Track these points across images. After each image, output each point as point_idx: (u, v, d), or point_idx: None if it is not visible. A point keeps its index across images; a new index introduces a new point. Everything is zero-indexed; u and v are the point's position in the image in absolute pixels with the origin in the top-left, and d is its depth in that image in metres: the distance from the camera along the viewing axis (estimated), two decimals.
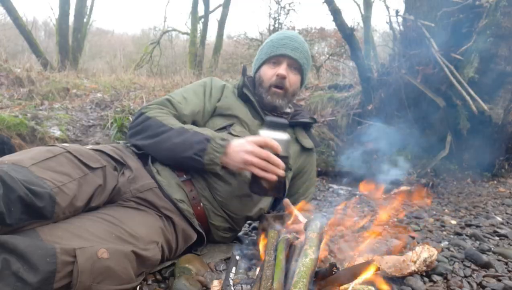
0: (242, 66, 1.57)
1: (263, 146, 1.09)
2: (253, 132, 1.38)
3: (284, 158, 1.10)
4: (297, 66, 1.44)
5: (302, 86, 1.54)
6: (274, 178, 1.09)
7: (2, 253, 0.75)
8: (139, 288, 1.02)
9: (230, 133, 1.33)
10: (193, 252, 1.27)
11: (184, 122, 1.30)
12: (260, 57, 1.48)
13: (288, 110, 1.52)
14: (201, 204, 1.26)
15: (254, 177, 1.11)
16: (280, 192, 1.19)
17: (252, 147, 1.09)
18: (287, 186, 1.29)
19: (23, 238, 0.78)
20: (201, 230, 1.23)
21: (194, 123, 1.38)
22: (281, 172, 1.09)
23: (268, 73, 1.43)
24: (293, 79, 1.44)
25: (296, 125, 1.52)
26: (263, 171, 1.08)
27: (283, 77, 1.40)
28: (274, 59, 1.43)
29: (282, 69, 1.40)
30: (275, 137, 1.09)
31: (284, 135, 1.11)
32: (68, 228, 0.88)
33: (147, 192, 1.14)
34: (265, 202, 1.39)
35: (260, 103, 1.45)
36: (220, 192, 1.27)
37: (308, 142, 1.53)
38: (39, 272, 0.76)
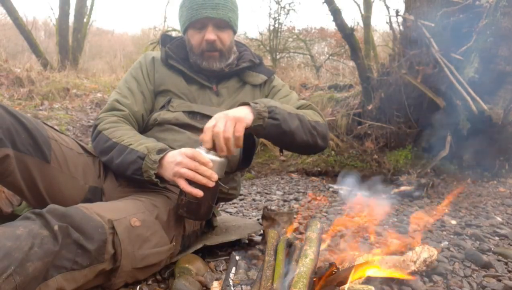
0: (160, 36, 1.46)
1: (192, 159, 1.04)
2: (194, 100, 1.36)
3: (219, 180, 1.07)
4: (224, 23, 1.31)
5: (235, 34, 1.42)
6: (199, 193, 1.03)
7: (62, 222, 0.84)
8: (139, 288, 1.02)
9: (169, 110, 1.31)
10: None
11: (141, 116, 1.34)
12: (182, 19, 1.35)
13: (229, 60, 1.40)
14: None
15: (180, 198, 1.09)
16: (193, 215, 1.13)
17: (181, 158, 1.04)
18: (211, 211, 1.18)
19: (76, 210, 0.88)
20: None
21: (148, 110, 1.36)
22: (211, 183, 1.04)
23: (196, 38, 1.32)
24: (223, 37, 1.33)
25: (240, 72, 1.43)
26: (189, 185, 1.04)
27: (213, 42, 1.30)
28: (197, 23, 1.30)
29: (209, 33, 1.29)
30: (210, 158, 1.06)
31: (216, 157, 1.07)
32: (101, 206, 0.99)
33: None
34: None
35: (197, 68, 1.37)
36: None
37: (257, 79, 1.43)
38: (95, 240, 0.86)
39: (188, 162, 1.03)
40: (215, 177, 1.04)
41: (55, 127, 1.20)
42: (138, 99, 1.34)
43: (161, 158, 1.08)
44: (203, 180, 1.03)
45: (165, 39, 1.43)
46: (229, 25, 1.34)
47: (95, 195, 1.21)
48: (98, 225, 0.88)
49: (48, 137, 1.10)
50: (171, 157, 1.08)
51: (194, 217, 1.14)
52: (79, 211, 0.89)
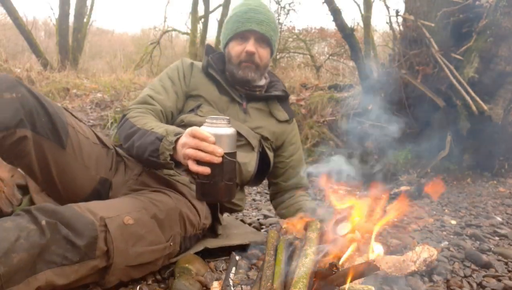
0: (206, 45, 1.57)
1: (192, 137, 0.98)
2: (222, 110, 1.41)
3: (228, 154, 0.97)
4: (265, 40, 1.42)
5: (272, 56, 1.53)
6: (205, 170, 0.95)
7: (52, 219, 0.86)
8: (139, 288, 1.02)
9: (197, 114, 1.36)
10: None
11: (171, 113, 1.38)
12: (227, 32, 1.45)
13: (261, 82, 1.51)
14: None
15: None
16: (211, 197, 1.03)
17: (185, 139, 1.00)
18: (233, 192, 1.05)
19: (66, 208, 0.91)
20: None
21: (178, 109, 1.42)
22: (215, 158, 0.94)
23: (237, 49, 1.41)
24: (262, 53, 1.43)
25: (269, 98, 1.52)
26: (196, 164, 0.96)
27: (252, 54, 1.39)
28: (241, 35, 1.41)
29: (250, 45, 1.39)
30: (215, 132, 0.96)
31: (224, 130, 0.98)
32: (96, 204, 1.00)
33: (143, 174, 1.26)
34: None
35: (232, 79, 1.45)
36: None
37: (282, 115, 1.53)
38: (85, 236, 0.87)
39: (190, 141, 0.97)
40: (219, 151, 0.94)
41: (74, 114, 1.19)
42: (172, 97, 1.39)
43: (176, 140, 1.05)
44: (206, 157, 0.94)
45: (208, 49, 1.52)
46: (269, 43, 1.44)
47: (104, 187, 1.22)
48: (89, 221, 0.90)
49: (67, 123, 1.10)
50: (181, 139, 1.04)
51: (213, 199, 1.08)
52: (70, 208, 0.91)
